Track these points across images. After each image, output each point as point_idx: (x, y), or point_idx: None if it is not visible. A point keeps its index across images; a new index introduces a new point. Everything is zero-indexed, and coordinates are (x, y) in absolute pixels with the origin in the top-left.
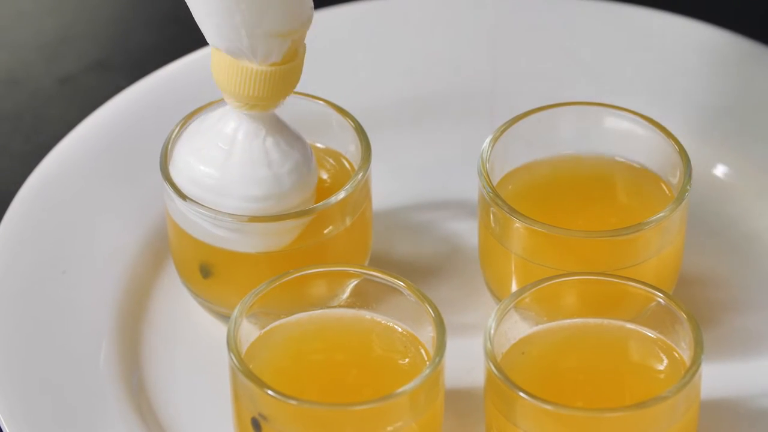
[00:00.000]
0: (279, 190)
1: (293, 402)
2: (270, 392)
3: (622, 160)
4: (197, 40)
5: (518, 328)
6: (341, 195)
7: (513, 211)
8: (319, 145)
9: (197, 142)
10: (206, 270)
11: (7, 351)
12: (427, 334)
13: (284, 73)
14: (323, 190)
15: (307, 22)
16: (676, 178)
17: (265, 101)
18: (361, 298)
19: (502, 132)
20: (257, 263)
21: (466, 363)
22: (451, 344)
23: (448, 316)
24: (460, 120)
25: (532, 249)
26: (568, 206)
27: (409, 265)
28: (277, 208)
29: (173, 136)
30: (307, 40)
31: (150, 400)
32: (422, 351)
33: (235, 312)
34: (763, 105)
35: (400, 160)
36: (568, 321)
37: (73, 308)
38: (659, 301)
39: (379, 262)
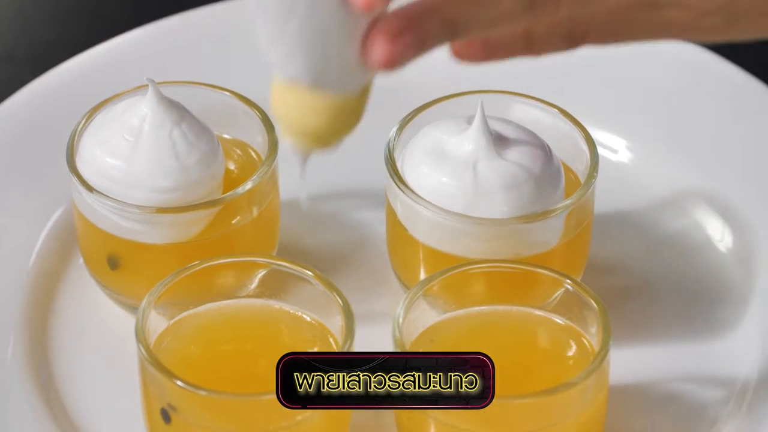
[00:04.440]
0: (186, 181)
1: (202, 392)
2: (179, 383)
3: None
4: (101, 34)
5: (427, 316)
6: (248, 185)
7: (420, 199)
8: (226, 135)
9: (103, 135)
10: (114, 262)
11: None
12: (335, 323)
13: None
14: (230, 181)
15: None
16: (582, 165)
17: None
18: (269, 288)
19: (409, 121)
20: (165, 254)
21: None
22: (360, 333)
23: (356, 305)
24: (367, 109)
25: (440, 237)
26: None
27: (317, 254)
28: (185, 199)
29: (79, 129)
30: (213, 32)
31: (59, 392)
32: (331, 340)
33: (143, 303)
34: (667, 91)
35: None
36: (476, 309)
37: None
38: (567, 288)
39: (287, 251)
